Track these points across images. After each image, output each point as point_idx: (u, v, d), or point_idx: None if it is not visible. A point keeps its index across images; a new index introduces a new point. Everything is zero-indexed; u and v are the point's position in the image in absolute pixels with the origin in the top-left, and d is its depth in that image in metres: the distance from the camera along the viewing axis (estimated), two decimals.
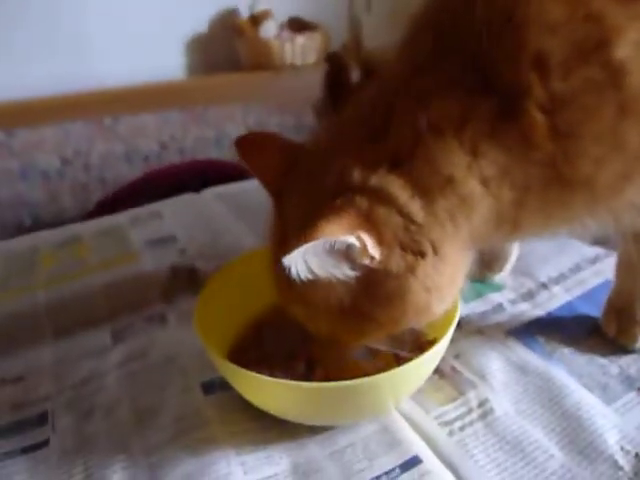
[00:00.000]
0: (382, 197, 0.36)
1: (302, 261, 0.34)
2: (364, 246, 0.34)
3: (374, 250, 0.35)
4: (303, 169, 0.41)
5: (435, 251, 0.37)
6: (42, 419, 0.49)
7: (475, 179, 0.36)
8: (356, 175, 0.37)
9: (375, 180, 0.36)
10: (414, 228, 0.36)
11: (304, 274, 0.35)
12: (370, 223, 0.35)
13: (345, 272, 0.36)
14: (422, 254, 0.37)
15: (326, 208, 0.35)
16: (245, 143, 0.45)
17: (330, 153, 0.40)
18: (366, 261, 0.36)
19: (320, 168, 0.39)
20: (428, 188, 0.36)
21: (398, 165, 0.36)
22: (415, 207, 0.36)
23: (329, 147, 0.41)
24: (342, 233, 0.34)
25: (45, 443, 0.46)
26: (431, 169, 0.36)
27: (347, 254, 0.35)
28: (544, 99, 0.34)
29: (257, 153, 0.45)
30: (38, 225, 1.39)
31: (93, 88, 1.56)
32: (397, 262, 0.36)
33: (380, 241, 0.36)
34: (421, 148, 0.36)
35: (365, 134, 0.38)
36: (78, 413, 0.49)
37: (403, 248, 0.36)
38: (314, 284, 0.37)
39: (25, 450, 0.46)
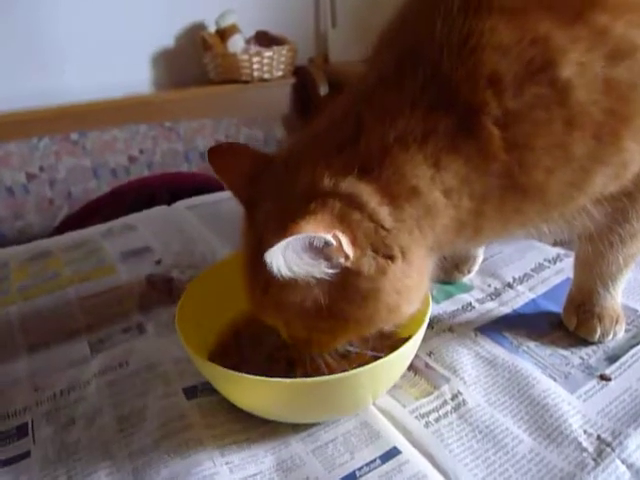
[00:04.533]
0: (353, 202, 0.38)
1: (282, 257, 0.35)
2: (339, 244, 0.36)
3: (349, 249, 0.37)
4: (274, 178, 0.43)
5: (404, 256, 0.40)
6: (22, 431, 0.49)
7: (438, 190, 0.39)
8: (327, 181, 0.39)
9: (345, 185, 0.38)
10: (384, 233, 0.39)
11: (284, 271, 0.36)
12: (343, 224, 0.37)
13: (322, 270, 0.38)
14: (392, 258, 0.39)
15: (301, 210, 0.37)
16: (217, 154, 0.47)
17: (300, 162, 0.41)
18: (341, 260, 0.37)
19: (291, 176, 0.41)
20: (396, 196, 0.39)
21: (367, 172, 0.39)
22: (384, 213, 0.39)
23: (299, 157, 0.42)
24: (320, 230, 0.35)
25: (26, 454, 0.46)
26: (398, 179, 0.39)
27: (324, 253, 0.37)
28: (499, 114, 0.37)
29: (228, 163, 0.46)
30: (2, 242, 1.36)
31: (60, 103, 1.54)
32: (369, 264, 0.38)
33: (353, 242, 0.38)
34: (388, 159, 0.39)
35: (334, 144, 0.41)
36: (59, 423, 0.49)
37: (375, 251, 0.39)
38: (293, 287, 0.39)
39: (6, 463, 0.46)
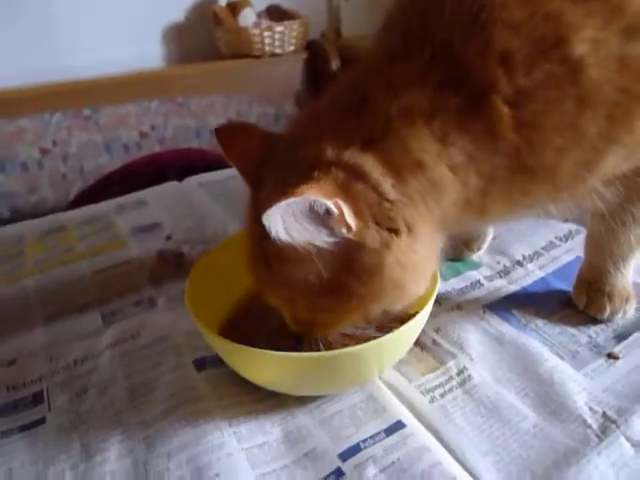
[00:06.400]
0: (356, 172, 0.38)
1: (280, 220, 0.35)
2: (341, 213, 0.36)
3: (351, 219, 0.36)
4: (278, 155, 0.43)
5: (409, 230, 0.39)
6: (38, 399, 0.50)
7: (444, 165, 0.38)
8: (330, 151, 0.38)
9: (348, 156, 0.38)
10: (387, 205, 0.38)
11: (282, 235, 0.36)
12: (346, 194, 0.37)
13: (323, 239, 0.37)
14: (397, 232, 0.39)
15: (304, 178, 0.36)
16: (224, 134, 0.46)
17: (304, 137, 0.41)
18: (343, 230, 0.37)
19: (294, 151, 0.41)
20: (399, 169, 0.38)
21: (370, 144, 0.38)
22: (387, 185, 0.38)
23: (303, 132, 0.42)
24: (321, 196, 0.35)
25: (42, 421, 0.48)
26: (402, 152, 0.38)
27: (325, 222, 0.36)
28: (509, 93, 0.36)
29: (236, 144, 0.46)
30: (17, 216, 1.38)
31: (71, 79, 1.54)
32: (373, 236, 0.38)
33: (356, 212, 0.37)
34: (393, 132, 0.38)
35: (338, 117, 0.40)
36: (73, 392, 0.50)
37: (378, 223, 0.38)
38: (295, 261, 0.38)
39: (23, 428, 0.47)
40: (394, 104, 0.38)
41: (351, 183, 0.37)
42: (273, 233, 0.35)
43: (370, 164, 0.38)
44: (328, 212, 0.36)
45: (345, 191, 0.37)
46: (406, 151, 0.38)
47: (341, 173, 0.37)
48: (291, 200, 0.34)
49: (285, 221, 0.35)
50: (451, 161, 0.38)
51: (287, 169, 0.40)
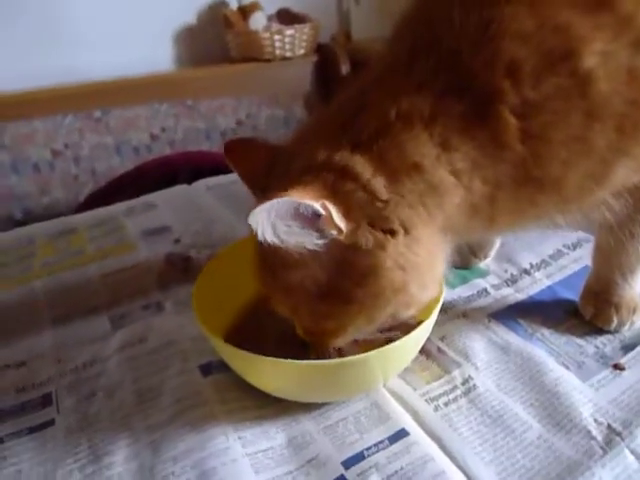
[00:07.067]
0: (346, 173, 0.38)
1: (268, 221, 0.35)
2: (330, 215, 0.36)
3: (340, 221, 0.36)
4: (280, 166, 0.43)
5: (407, 231, 0.39)
6: (46, 401, 0.51)
7: (444, 169, 0.38)
8: (321, 154, 0.39)
9: (338, 157, 0.38)
10: (380, 204, 0.38)
11: (269, 235, 0.36)
12: (336, 196, 0.37)
13: (313, 241, 0.37)
14: (392, 232, 0.38)
15: (292, 182, 0.37)
16: (233, 149, 0.48)
17: (302, 145, 0.42)
18: (333, 232, 0.37)
19: (293, 160, 0.41)
20: (393, 170, 0.38)
21: (362, 146, 0.38)
22: (379, 185, 0.38)
23: (303, 141, 0.43)
24: (307, 198, 0.35)
25: (51, 423, 0.48)
26: (397, 154, 0.38)
27: (314, 224, 0.37)
28: (516, 104, 0.36)
29: (244, 158, 0.47)
30: (29, 218, 1.40)
31: (83, 81, 1.56)
32: (366, 237, 0.38)
33: (347, 214, 0.37)
34: (389, 135, 0.38)
35: (336, 125, 0.41)
36: (81, 395, 0.51)
37: (371, 224, 0.38)
38: (293, 264, 0.39)
39: (32, 430, 0.48)
40: (392, 109, 0.38)
41: (341, 184, 0.37)
42: (260, 234, 0.36)
43: (361, 165, 0.38)
44: (317, 214, 0.36)
45: (335, 193, 0.37)
46: (401, 153, 0.38)
47: (331, 175, 0.38)
48: (274, 201, 0.34)
49: (272, 222, 0.35)
50: (453, 166, 0.38)
51: (285, 176, 0.41)
